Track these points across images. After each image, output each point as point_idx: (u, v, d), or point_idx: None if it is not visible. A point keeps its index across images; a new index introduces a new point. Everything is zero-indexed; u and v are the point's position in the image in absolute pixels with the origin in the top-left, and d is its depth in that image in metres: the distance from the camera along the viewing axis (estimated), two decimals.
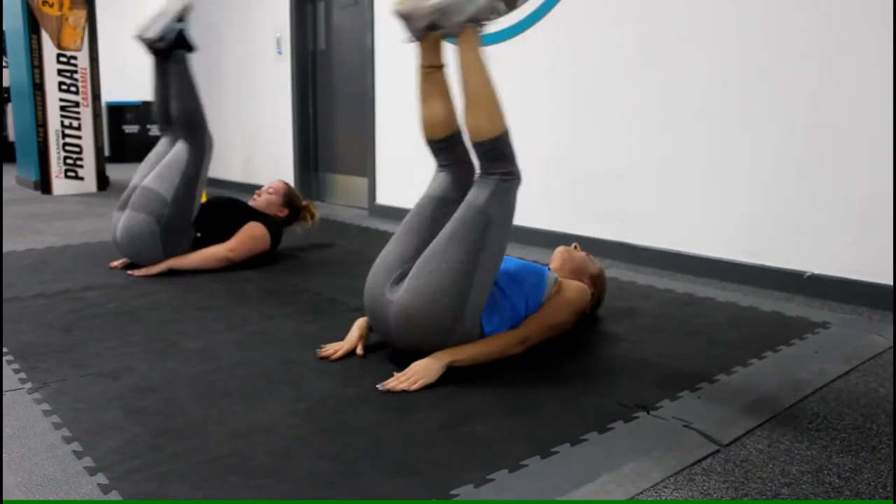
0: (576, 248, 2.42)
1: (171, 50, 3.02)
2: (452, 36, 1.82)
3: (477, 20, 1.80)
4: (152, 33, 2.95)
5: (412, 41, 1.89)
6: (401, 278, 1.88)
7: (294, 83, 5.39)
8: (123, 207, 2.98)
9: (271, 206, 3.37)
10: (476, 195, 1.84)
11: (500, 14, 1.87)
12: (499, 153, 1.83)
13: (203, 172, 3.05)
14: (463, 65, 1.83)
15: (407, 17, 1.82)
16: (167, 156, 3.02)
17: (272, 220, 3.28)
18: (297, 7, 5.30)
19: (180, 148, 3.01)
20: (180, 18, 3.01)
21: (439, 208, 1.93)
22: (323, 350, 2.00)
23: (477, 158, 1.89)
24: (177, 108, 3.04)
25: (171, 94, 3.06)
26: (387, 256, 1.94)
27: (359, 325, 2.07)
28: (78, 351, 2.06)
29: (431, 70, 1.93)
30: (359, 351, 1.98)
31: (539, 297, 2.05)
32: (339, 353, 1.97)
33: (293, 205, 3.45)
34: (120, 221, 2.96)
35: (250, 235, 3.12)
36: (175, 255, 2.98)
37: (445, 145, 1.97)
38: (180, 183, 2.94)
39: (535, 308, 2.03)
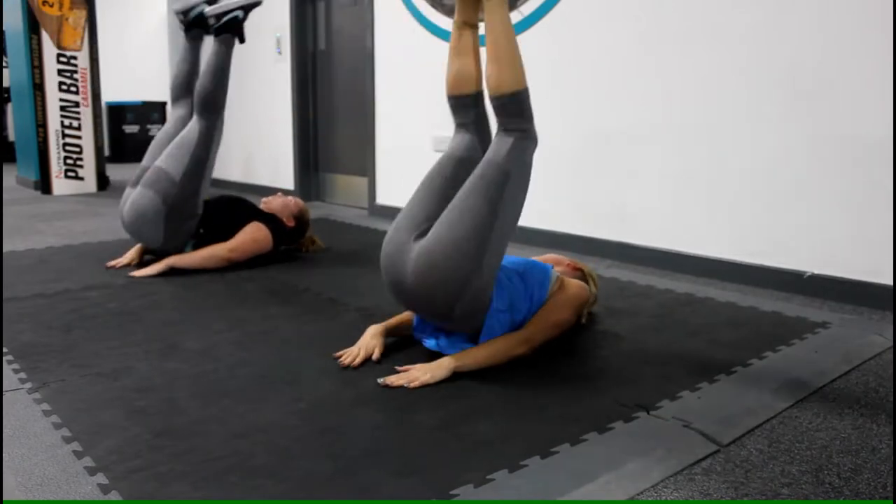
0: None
1: (222, 30, 3.10)
2: None
3: None
4: (219, 8, 3.09)
5: None
6: (423, 234, 1.90)
7: (294, 83, 5.39)
8: (135, 185, 3.01)
9: (285, 210, 3.35)
10: (496, 151, 1.88)
11: None
12: (518, 108, 1.88)
13: (213, 154, 3.06)
14: (489, 23, 1.91)
15: None
16: (179, 135, 3.04)
17: (277, 221, 3.25)
18: (297, 7, 5.30)
19: (192, 127, 3.03)
20: (245, 8, 3.13)
21: (459, 168, 1.96)
22: (342, 358, 1.97)
23: (496, 115, 1.93)
24: (204, 84, 3.06)
25: (199, 70, 3.11)
26: (411, 210, 1.96)
27: (373, 332, 2.05)
28: (78, 351, 2.06)
29: (465, 26, 2.00)
30: (375, 356, 1.97)
31: (543, 294, 2.05)
32: (360, 360, 1.95)
33: (301, 224, 3.42)
34: (129, 198, 2.97)
35: (253, 238, 3.11)
36: (175, 241, 2.98)
37: (468, 102, 2.01)
38: (189, 162, 2.96)
39: (539, 304, 2.04)
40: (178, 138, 3.03)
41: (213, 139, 3.05)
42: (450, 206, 1.88)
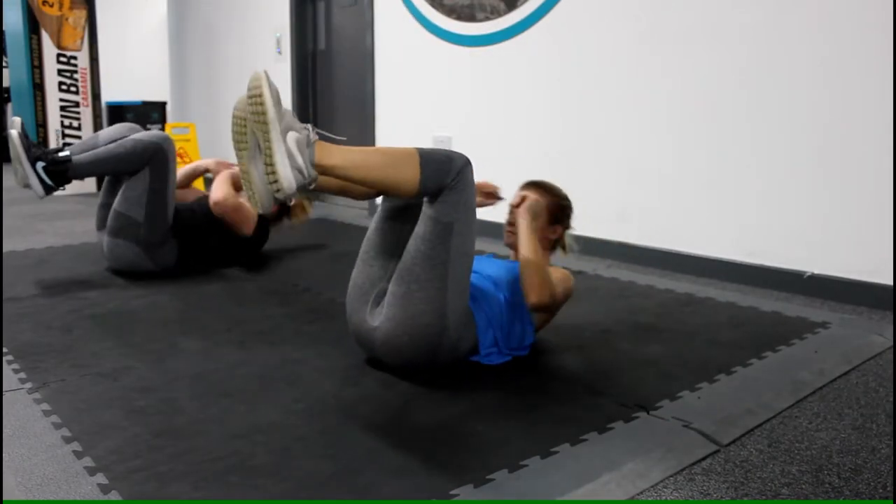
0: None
1: (56, 178, 2.88)
2: (314, 182, 1.60)
3: (301, 129, 1.57)
4: (28, 183, 2.85)
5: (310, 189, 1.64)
6: (378, 299, 1.87)
7: (294, 83, 5.39)
8: (101, 227, 2.96)
9: None
10: (431, 207, 1.76)
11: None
12: (434, 188, 1.73)
13: (171, 177, 2.92)
14: (343, 176, 1.64)
15: (282, 202, 1.61)
16: (132, 177, 2.86)
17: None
18: (297, 7, 5.30)
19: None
20: (37, 158, 2.84)
21: (397, 218, 1.90)
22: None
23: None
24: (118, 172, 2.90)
25: (103, 174, 2.96)
26: (357, 281, 1.93)
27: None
28: (78, 351, 2.06)
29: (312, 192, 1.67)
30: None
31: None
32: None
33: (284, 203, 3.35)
34: (104, 245, 2.93)
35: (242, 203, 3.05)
36: (164, 261, 2.93)
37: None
38: (148, 201, 2.84)
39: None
40: (130, 180, 2.84)
41: (167, 165, 2.88)
42: (397, 274, 1.79)
